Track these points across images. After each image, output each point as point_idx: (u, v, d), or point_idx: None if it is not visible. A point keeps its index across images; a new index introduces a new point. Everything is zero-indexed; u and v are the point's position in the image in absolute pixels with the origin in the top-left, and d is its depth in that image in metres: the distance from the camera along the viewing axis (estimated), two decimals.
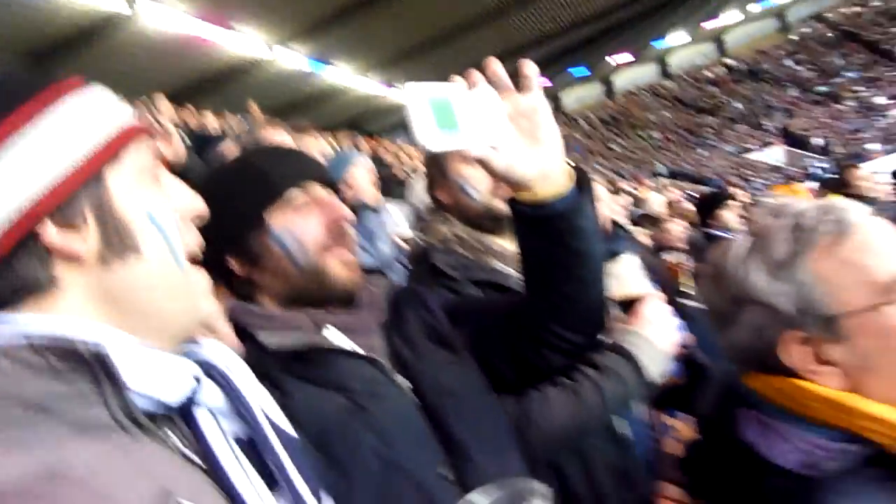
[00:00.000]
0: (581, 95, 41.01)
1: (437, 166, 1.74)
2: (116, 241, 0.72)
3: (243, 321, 1.15)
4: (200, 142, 3.24)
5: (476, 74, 1.10)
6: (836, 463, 0.90)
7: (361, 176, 3.37)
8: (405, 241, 3.15)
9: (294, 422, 0.86)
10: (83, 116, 0.73)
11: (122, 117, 0.77)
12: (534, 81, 1.15)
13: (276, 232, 1.20)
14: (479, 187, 1.64)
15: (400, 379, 1.19)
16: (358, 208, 3.03)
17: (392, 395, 1.16)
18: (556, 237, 1.18)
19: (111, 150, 0.73)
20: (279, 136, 2.76)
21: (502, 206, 1.58)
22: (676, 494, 1.87)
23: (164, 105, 6.06)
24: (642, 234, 5.31)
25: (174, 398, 0.72)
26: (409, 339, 1.25)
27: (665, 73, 41.12)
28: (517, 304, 1.34)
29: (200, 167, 2.73)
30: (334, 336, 1.18)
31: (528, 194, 1.16)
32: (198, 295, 0.81)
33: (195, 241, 0.81)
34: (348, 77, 23.94)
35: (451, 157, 1.65)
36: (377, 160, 10.22)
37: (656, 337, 1.45)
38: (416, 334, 1.27)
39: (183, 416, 0.74)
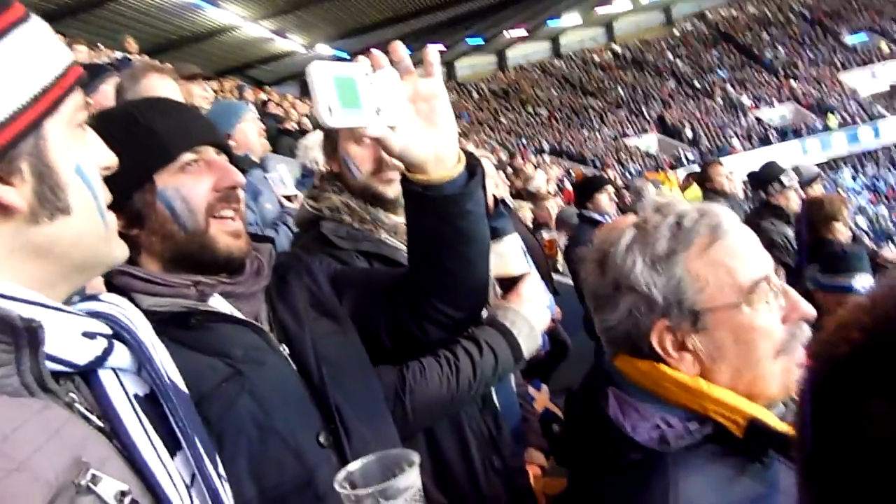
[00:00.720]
0: (474, 64, 41.31)
1: (329, 139, 1.77)
2: (50, 197, 0.69)
3: (119, 281, 1.11)
4: None
5: (380, 56, 1.11)
6: (684, 440, 1.01)
7: (249, 130, 3.25)
8: (290, 199, 3.09)
9: None
10: (28, 57, 0.67)
11: (63, 60, 0.72)
12: (436, 68, 1.18)
13: (164, 193, 1.15)
14: (361, 167, 1.68)
15: (282, 346, 1.19)
16: (243, 164, 2.93)
17: (273, 363, 1.16)
18: (444, 217, 1.22)
19: (53, 98, 0.69)
20: (165, 85, 2.60)
21: (381, 188, 1.66)
22: (541, 460, 2.01)
23: None
24: (523, 210, 5.49)
25: (84, 360, 0.70)
26: (293, 307, 1.25)
27: (556, 53, 42.12)
28: (402, 278, 1.37)
29: None
30: (218, 302, 1.16)
31: (421, 175, 1.19)
32: (112, 241, 0.79)
33: (108, 195, 0.79)
34: (236, 20, 22.74)
35: (342, 132, 1.66)
36: (265, 112, 9.82)
37: (532, 315, 1.53)
38: (299, 302, 1.27)
39: (83, 375, 0.72)
